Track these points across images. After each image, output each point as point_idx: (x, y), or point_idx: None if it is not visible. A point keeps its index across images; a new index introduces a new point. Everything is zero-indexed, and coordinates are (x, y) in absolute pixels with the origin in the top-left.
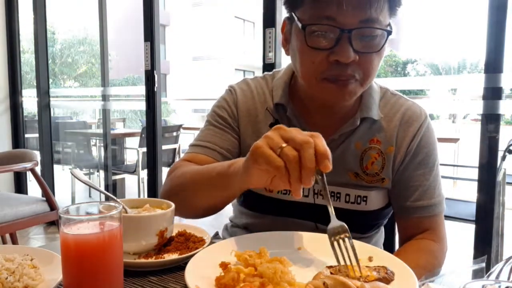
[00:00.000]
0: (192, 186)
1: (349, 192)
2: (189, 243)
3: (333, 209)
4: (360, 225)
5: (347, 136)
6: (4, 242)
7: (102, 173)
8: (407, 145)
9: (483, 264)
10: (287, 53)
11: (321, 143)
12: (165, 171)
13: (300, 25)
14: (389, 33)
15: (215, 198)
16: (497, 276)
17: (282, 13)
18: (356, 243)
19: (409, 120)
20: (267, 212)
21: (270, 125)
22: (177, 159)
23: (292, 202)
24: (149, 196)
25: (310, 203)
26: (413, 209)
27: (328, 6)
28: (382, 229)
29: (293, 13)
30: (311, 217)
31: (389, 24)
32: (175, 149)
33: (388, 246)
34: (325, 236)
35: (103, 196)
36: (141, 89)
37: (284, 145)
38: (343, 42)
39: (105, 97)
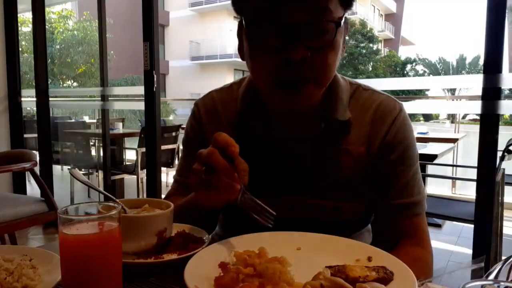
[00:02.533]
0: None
1: (324, 203)
2: (189, 243)
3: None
4: (338, 233)
5: (315, 142)
6: (3, 243)
7: (101, 173)
8: (380, 141)
9: (482, 264)
10: (243, 59)
11: (220, 138)
12: (164, 171)
13: (245, 27)
14: (338, 24)
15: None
16: (496, 276)
17: None
18: (356, 243)
19: (382, 116)
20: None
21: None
22: (176, 159)
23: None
24: (148, 196)
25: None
26: (392, 209)
27: (271, 2)
28: (369, 228)
29: (241, 16)
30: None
31: (343, 17)
32: (174, 149)
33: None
34: (325, 236)
35: (102, 196)
36: (140, 89)
37: (198, 167)
38: (292, 38)
39: (104, 97)
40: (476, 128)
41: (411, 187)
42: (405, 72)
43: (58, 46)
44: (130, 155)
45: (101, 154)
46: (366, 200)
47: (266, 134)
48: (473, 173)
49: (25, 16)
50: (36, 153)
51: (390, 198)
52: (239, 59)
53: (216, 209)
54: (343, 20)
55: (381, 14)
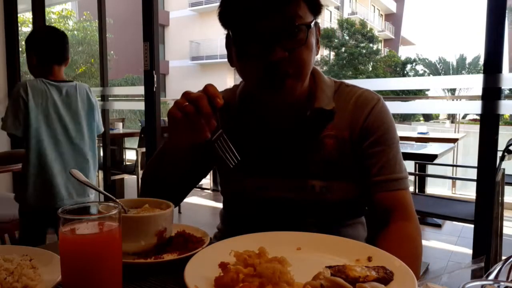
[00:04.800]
0: (152, 169)
1: (314, 183)
2: (188, 243)
3: (219, 122)
4: (331, 217)
5: (302, 128)
6: (3, 243)
7: (101, 173)
8: (360, 126)
9: (482, 264)
10: (232, 65)
11: (211, 89)
12: None
13: (232, 38)
14: (309, 26)
15: (171, 169)
16: (496, 276)
17: None
18: (356, 243)
19: (361, 105)
20: (238, 211)
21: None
22: None
23: (272, 200)
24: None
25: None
26: (375, 185)
27: (250, 15)
28: (363, 220)
29: (227, 29)
30: (294, 216)
31: (313, 21)
32: None
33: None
34: (325, 236)
35: (102, 196)
36: (140, 89)
37: (186, 103)
38: (270, 43)
39: (104, 97)
40: (476, 128)
41: (392, 165)
42: (405, 72)
43: None
44: (130, 155)
45: (101, 154)
46: (353, 179)
47: (261, 123)
48: (473, 173)
49: (25, 16)
50: None
51: (373, 175)
52: None
53: (181, 154)
54: (313, 23)
55: (381, 14)
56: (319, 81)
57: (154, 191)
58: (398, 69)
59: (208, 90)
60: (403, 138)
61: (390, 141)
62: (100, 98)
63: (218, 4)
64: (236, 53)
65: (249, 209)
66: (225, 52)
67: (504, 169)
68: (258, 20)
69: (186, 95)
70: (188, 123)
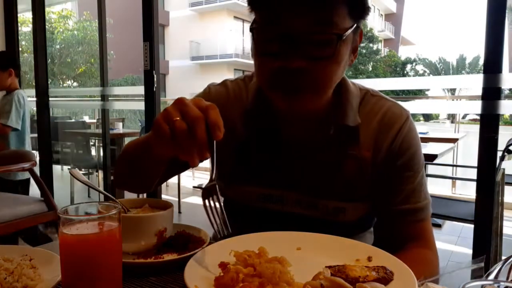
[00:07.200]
0: (126, 155)
1: (327, 204)
2: (188, 243)
3: (213, 170)
4: (340, 234)
5: (322, 145)
6: (3, 243)
7: (101, 173)
8: (387, 148)
9: (482, 264)
10: (252, 57)
11: (213, 114)
12: None
13: (249, 30)
14: (340, 36)
15: (144, 165)
16: (496, 276)
17: None
18: (356, 243)
19: (388, 122)
20: (244, 221)
21: (246, 132)
22: None
23: (266, 211)
24: (148, 196)
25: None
26: (398, 214)
27: (275, 9)
28: (371, 229)
29: (253, 12)
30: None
31: (352, 27)
32: None
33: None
34: (325, 236)
35: (102, 196)
36: (140, 89)
37: (178, 118)
38: (289, 46)
39: (104, 97)
40: (476, 128)
41: (417, 193)
42: (405, 72)
43: (58, 46)
44: None
45: (101, 154)
46: (369, 202)
47: (273, 131)
48: (473, 173)
49: (25, 16)
50: (36, 153)
51: (396, 204)
52: (239, 59)
53: (161, 160)
54: (350, 30)
55: (381, 14)
56: (345, 91)
57: (127, 179)
58: (398, 69)
59: (210, 115)
60: None
61: (417, 165)
62: (100, 98)
63: (218, 4)
64: (254, 46)
65: (250, 217)
66: (225, 51)
67: (504, 169)
68: (281, 18)
69: (181, 106)
70: (175, 142)
